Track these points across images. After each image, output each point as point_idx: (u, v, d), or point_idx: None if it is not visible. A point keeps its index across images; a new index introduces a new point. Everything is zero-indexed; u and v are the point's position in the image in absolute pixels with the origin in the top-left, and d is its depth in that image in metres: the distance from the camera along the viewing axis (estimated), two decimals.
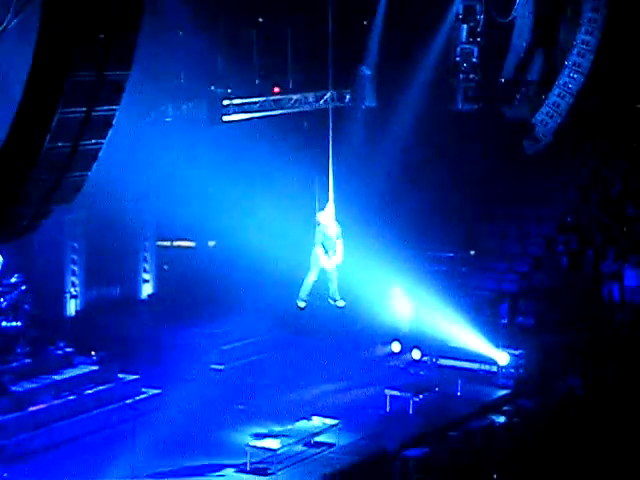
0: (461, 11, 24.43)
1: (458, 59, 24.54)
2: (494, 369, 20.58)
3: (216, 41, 20.90)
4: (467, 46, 24.55)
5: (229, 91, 21.09)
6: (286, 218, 20.90)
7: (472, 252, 24.30)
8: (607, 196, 24.34)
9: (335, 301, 15.73)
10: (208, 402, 18.31)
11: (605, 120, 24.12)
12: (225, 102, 20.71)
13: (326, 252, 15.36)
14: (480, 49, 24.63)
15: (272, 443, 16.24)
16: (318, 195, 16.54)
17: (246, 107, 21.19)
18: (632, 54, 23.54)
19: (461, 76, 24.64)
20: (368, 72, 23.57)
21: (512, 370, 20.46)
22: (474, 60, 24.54)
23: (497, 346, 20.74)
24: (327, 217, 15.47)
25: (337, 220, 15.63)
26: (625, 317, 21.43)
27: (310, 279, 15.52)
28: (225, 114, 20.78)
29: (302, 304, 15.68)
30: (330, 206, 15.51)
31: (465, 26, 24.50)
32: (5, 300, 17.74)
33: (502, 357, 20.59)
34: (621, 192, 24.23)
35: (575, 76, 23.84)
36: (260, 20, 22.42)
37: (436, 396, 19.40)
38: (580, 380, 19.21)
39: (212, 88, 20.94)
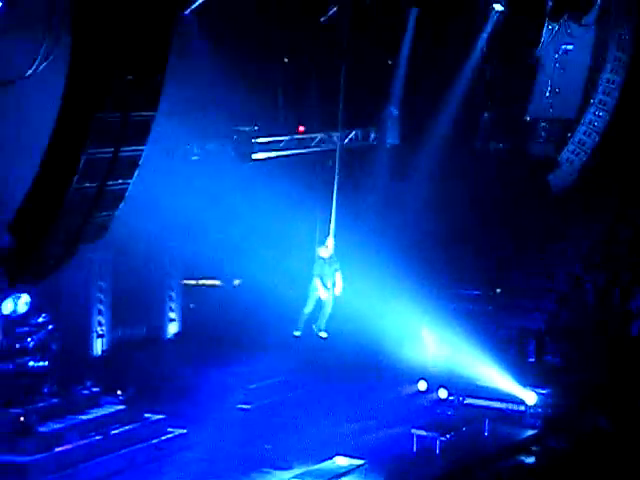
0: (486, 49, 24.51)
1: (483, 98, 24.62)
2: (522, 408, 20.41)
3: (242, 80, 21.04)
4: (492, 85, 24.64)
5: (256, 129, 21.23)
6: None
7: (498, 290, 24.21)
8: (635, 234, 24.21)
9: (319, 331, 16.50)
10: (234, 442, 18.22)
11: (631, 158, 24.04)
12: (253, 140, 20.86)
13: (324, 284, 16.12)
14: (505, 87, 24.69)
15: None
16: (319, 230, 17.20)
17: (272, 145, 21.32)
18: None
19: (486, 114, 24.73)
20: (395, 111, 23.68)
21: (540, 409, 20.28)
22: (499, 98, 24.63)
23: (524, 385, 20.58)
24: (326, 251, 16.23)
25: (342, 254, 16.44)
26: None
27: (307, 309, 16.29)
28: (253, 152, 20.94)
29: (298, 333, 16.46)
30: (330, 240, 16.20)
31: (490, 65, 24.58)
32: (32, 340, 17.81)
33: (530, 396, 20.42)
34: None
35: (601, 114, 23.83)
36: (285, 60, 22.57)
37: (463, 436, 19.22)
38: (608, 419, 19.00)
39: (240, 127, 21.09)
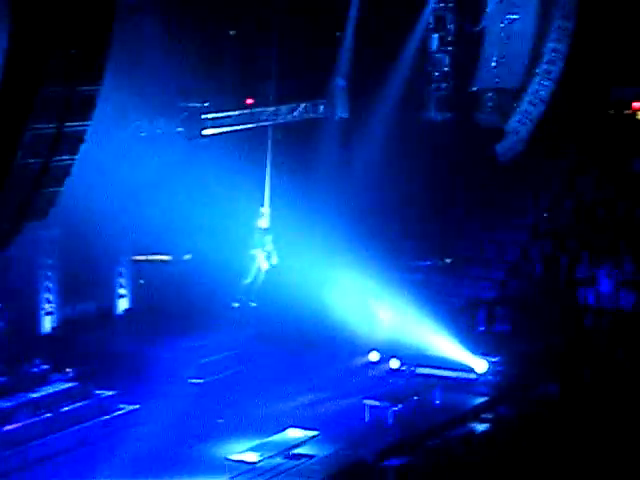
0: (432, 21, 24.58)
1: (430, 68, 24.70)
2: (472, 377, 20.62)
3: (191, 55, 20.88)
4: (438, 55, 24.72)
5: (206, 104, 21.08)
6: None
7: (448, 260, 24.39)
8: (580, 203, 24.51)
9: (250, 301, 16.78)
10: (187, 417, 18.21)
11: (577, 127, 24.28)
12: (202, 116, 20.73)
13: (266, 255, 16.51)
14: (451, 58, 24.77)
15: (251, 456, 16.17)
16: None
17: (222, 121, 21.19)
18: (601, 61, 23.72)
19: (433, 85, 24.82)
20: (342, 83, 23.66)
21: (490, 377, 20.51)
22: (445, 69, 24.72)
23: (475, 354, 20.79)
24: (265, 221, 16.51)
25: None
26: (599, 322, 21.54)
27: (248, 280, 16.56)
28: (203, 128, 20.81)
29: (236, 304, 16.77)
30: (265, 210, 16.48)
31: (436, 35, 24.65)
32: None
33: (480, 365, 20.63)
34: (594, 199, 24.41)
35: (546, 83, 23.98)
36: (231, 33, 22.43)
37: (415, 405, 19.38)
38: (557, 385, 19.27)
39: (190, 103, 20.94)
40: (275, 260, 16.82)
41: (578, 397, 18.57)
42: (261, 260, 16.66)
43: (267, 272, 16.93)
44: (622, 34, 23.51)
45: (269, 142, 17.26)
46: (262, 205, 16.87)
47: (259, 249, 16.65)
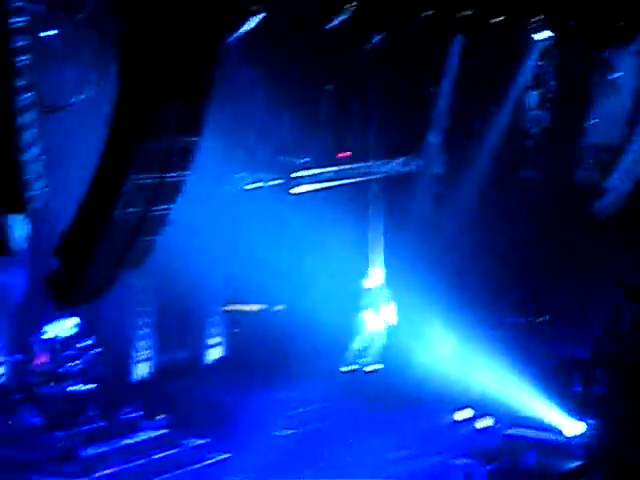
0: (529, 78, 24.47)
1: (528, 125, 24.55)
2: (567, 439, 20.14)
3: (288, 109, 21.19)
4: (537, 112, 24.57)
5: (302, 160, 21.33)
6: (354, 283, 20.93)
7: (542, 318, 24.01)
8: None
9: (369, 365, 15.86)
10: (275, 468, 18.18)
11: None
12: (300, 173, 20.97)
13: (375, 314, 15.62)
14: (551, 115, 24.60)
15: None
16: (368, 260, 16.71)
17: (317, 177, 21.40)
18: None
19: (530, 142, 24.65)
20: (436, 138, 23.68)
21: (585, 440, 20.00)
22: (545, 126, 24.54)
23: (570, 416, 20.33)
24: (373, 280, 15.69)
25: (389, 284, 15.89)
26: None
27: (357, 344, 15.67)
28: (298, 184, 21.03)
29: (346, 368, 15.79)
30: (375, 270, 15.70)
31: (536, 92, 24.53)
32: (78, 363, 17.98)
33: (575, 427, 20.15)
34: None
35: None
36: (326, 88, 22.67)
37: (506, 466, 18.99)
38: None
39: (285, 158, 21.21)
40: (393, 320, 15.86)
41: None
42: (370, 321, 15.73)
43: (385, 333, 15.88)
44: None
45: (371, 196, 16.56)
46: (368, 264, 15.98)
47: (369, 310, 15.74)
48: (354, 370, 15.77)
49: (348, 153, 22.73)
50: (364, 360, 15.90)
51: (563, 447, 20.01)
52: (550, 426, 20.36)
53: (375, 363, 15.81)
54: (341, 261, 21.64)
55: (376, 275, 15.75)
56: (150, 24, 12.12)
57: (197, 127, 12.72)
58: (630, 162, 23.79)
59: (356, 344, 15.73)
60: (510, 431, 20.80)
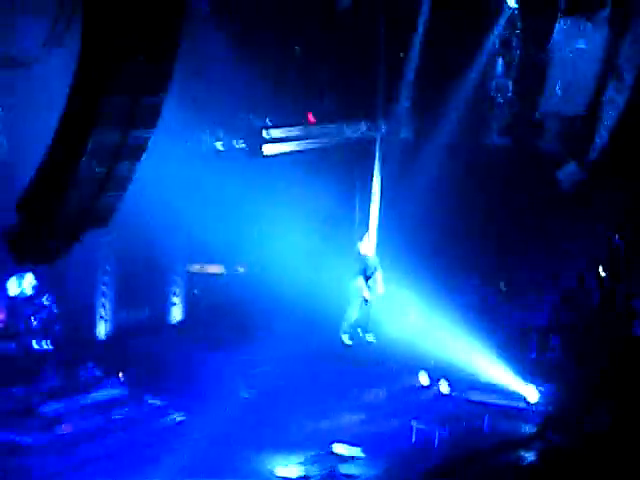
0: (497, 45, 24.49)
1: (493, 93, 24.61)
2: (523, 405, 20.43)
3: (254, 70, 21.05)
4: (502, 80, 24.61)
5: (267, 121, 21.22)
6: (319, 246, 20.98)
7: (502, 284, 24.23)
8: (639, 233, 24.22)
9: (367, 334, 15.50)
10: (234, 428, 18.27)
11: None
12: (264, 133, 20.83)
13: (367, 283, 15.13)
14: (515, 83, 24.65)
15: (297, 471, 16.18)
16: (358, 223, 16.35)
17: (284, 138, 21.29)
18: None
19: (496, 110, 24.71)
20: (406, 103, 23.67)
21: (541, 406, 20.30)
22: (509, 94, 24.60)
23: (526, 381, 20.60)
24: (367, 247, 15.27)
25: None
26: None
27: (353, 312, 15.26)
28: (264, 143, 20.90)
29: (349, 341, 15.38)
30: (370, 236, 15.30)
31: (501, 60, 24.57)
32: (36, 320, 17.89)
33: (531, 392, 20.43)
34: None
35: (611, 112, 23.75)
36: (297, 48, 22.55)
37: (463, 430, 19.25)
38: (608, 416, 19.00)
39: (251, 118, 21.07)
40: (382, 289, 15.30)
41: (628, 428, 18.28)
42: (365, 290, 15.20)
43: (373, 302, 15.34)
44: None
45: (377, 159, 15.77)
46: (363, 229, 15.28)
47: (361, 277, 15.18)
48: (355, 338, 15.35)
49: (313, 118, 22.65)
50: (359, 330, 15.51)
51: (519, 412, 20.32)
52: (507, 392, 20.63)
53: (369, 334, 15.46)
54: (309, 226, 21.70)
55: (370, 242, 15.26)
56: None
57: (163, 84, 12.56)
58: (594, 131, 23.94)
59: (352, 312, 15.30)
60: (467, 396, 21.07)
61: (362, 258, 15.16)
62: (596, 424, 18.90)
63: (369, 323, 15.36)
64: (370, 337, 15.47)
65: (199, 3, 19.46)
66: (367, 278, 15.11)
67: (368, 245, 15.20)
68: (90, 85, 12.18)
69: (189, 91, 18.47)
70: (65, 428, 16.88)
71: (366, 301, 15.19)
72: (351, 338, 15.26)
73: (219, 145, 20.81)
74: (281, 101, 22.06)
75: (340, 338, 15.44)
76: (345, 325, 15.32)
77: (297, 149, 21.65)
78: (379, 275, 15.19)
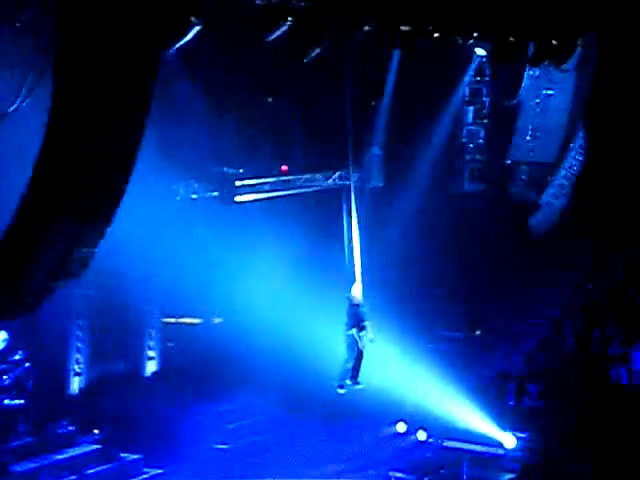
0: (467, 93, 24.76)
1: (464, 140, 24.82)
2: (501, 452, 20.36)
3: (226, 122, 21.12)
4: (473, 127, 24.84)
5: (241, 171, 21.26)
6: (296, 296, 20.92)
7: (478, 332, 24.23)
8: (613, 280, 24.33)
9: (357, 384, 15.43)
10: None
11: (611, 202, 24.17)
12: (237, 183, 20.87)
13: (359, 333, 15.11)
14: (486, 130, 24.89)
15: None
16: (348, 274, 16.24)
17: (256, 187, 21.35)
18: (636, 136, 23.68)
19: (467, 157, 24.91)
20: (377, 152, 23.81)
21: (519, 453, 20.22)
22: (480, 141, 24.83)
23: (504, 429, 20.54)
24: (358, 295, 15.23)
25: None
26: (632, 400, 21.20)
27: (349, 363, 15.23)
28: (237, 194, 20.93)
29: (343, 390, 15.33)
30: (358, 284, 15.27)
31: (471, 108, 24.82)
32: (8, 377, 17.65)
33: (509, 440, 20.37)
34: (626, 277, 24.23)
35: (581, 158, 23.99)
36: (269, 100, 22.68)
37: (442, 478, 19.13)
38: (588, 465, 18.94)
39: (224, 169, 21.12)
40: (373, 337, 15.27)
41: (609, 475, 18.24)
42: (359, 339, 15.12)
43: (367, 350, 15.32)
44: None
45: (352, 205, 15.92)
46: (350, 277, 15.29)
47: (355, 327, 15.09)
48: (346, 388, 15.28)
49: (286, 168, 22.73)
50: (348, 381, 15.41)
51: (497, 459, 20.24)
52: (485, 439, 20.56)
53: (358, 383, 15.41)
54: (283, 274, 21.65)
55: (358, 291, 15.22)
56: (88, 33, 11.98)
57: (137, 136, 12.58)
58: (563, 178, 24.15)
59: (348, 363, 15.28)
60: (445, 444, 20.97)
61: (355, 307, 15.07)
62: (576, 473, 18.84)
63: (359, 372, 15.27)
64: (360, 386, 15.42)
65: (169, 56, 19.54)
66: (361, 328, 15.06)
67: (359, 293, 15.15)
68: (64, 138, 12.13)
69: (161, 140, 18.47)
70: None
71: (361, 351, 15.13)
72: (344, 388, 15.15)
73: (193, 195, 20.81)
74: (254, 152, 22.13)
75: (333, 387, 15.32)
76: (341, 375, 15.22)
77: (270, 197, 21.69)
78: (369, 324, 15.14)
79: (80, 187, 12.29)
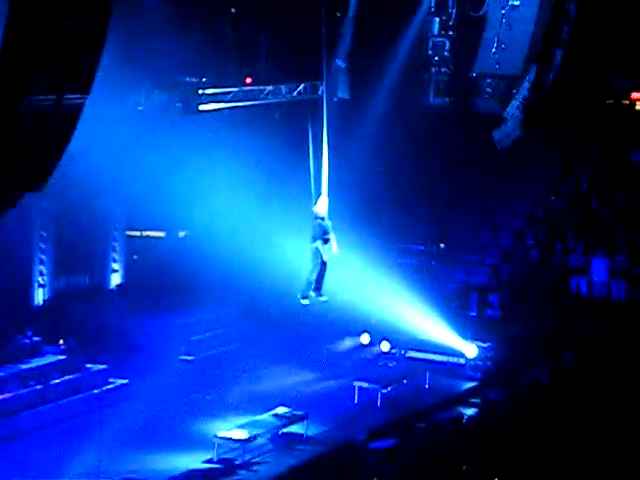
0: (433, 4, 24.47)
1: (430, 52, 24.61)
2: (462, 361, 20.71)
3: (191, 31, 20.77)
4: (439, 39, 24.61)
5: (204, 80, 20.96)
6: (258, 209, 20.89)
7: (442, 245, 24.39)
8: (576, 191, 24.53)
9: (320, 296, 15.59)
10: (176, 393, 18.23)
11: (575, 115, 24.22)
12: (200, 92, 20.60)
13: (323, 245, 15.21)
14: (452, 43, 24.66)
15: (240, 434, 16.21)
16: (314, 187, 16.18)
17: (220, 97, 21.09)
18: (602, 49, 23.62)
19: (433, 69, 24.72)
20: (342, 64, 23.55)
21: (480, 362, 20.59)
22: (445, 53, 24.61)
23: (465, 338, 20.85)
24: (323, 209, 15.31)
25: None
26: (590, 310, 21.58)
27: (313, 274, 15.37)
28: (200, 103, 20.68)
29: (306, 301, 15.47)
30: (324, 198, 15.34)
31: (437, 19, 24.55)
32: None
33: (470, 349, 20.70)
34: (589, 188, 24.43)
35: (544, 72, 23.87)
36: (233, 11, 22.32)
37: (404, 388, 19.46)
38: (546, 370, 19.32)
39: (187, 78, 20.81)
40: (336, 250, 15.35)
41: (566, 383, 18.61)
42: (324, 252, 15.21)
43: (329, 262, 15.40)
44: (624, 24, 23.39)
45: (324, 119, 15.77)
46: (316, 191, 15.24)
47: (319, 240, 15.15)
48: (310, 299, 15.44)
49: (249, 80, 22.44)
50: (311, 293, 15.55)
51: (459, 369, 20.60)
52: (447, 349, 20.87)
53: (322, 295, 15.58)
54: (249, 188, 21.56)
55: (323, 204, 15.26)
56: None
57: (98, 47, 12.33)
58: (527, 91, 24.07)
59: (312, 275, 15.39)
60: (408, 354, 21.28)
61: (319, 220, 15.16)
62: (535, 378, 19.21)
63: (323, 284, 15.41)
64: (324, 298, 15.58)
65: None
66: (325, 240, 15.17)
67: (324, 206, 15.23)
68: (21, 53, 11.86)
69: (125, 51, 18.13)
70: (3, 396, 16.64)
71: (324, 263, 15.27)
72: (308, 299, 15.32)
73: (156, 105, 20.52)
74: (218, 62, 21.83)
75: (297, 298, 15.42)
76: (305, 288, 15.36)
77: (233, 107, 21.43)
78: (333, 237, 15.26)
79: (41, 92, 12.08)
